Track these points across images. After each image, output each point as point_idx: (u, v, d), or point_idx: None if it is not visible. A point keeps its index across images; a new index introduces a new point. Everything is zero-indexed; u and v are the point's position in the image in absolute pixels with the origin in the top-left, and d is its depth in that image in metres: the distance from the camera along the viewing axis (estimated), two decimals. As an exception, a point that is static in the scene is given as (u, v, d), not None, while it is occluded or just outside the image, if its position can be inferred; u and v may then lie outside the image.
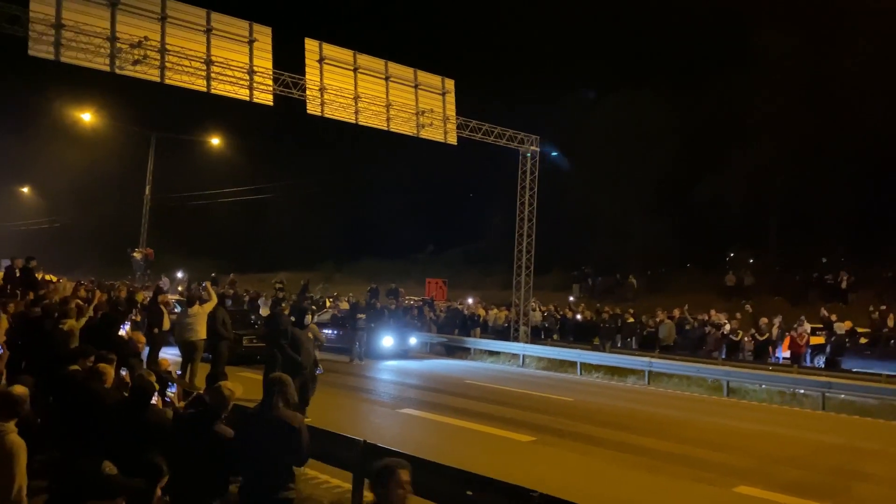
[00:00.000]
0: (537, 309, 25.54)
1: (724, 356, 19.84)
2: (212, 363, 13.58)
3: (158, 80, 16.11)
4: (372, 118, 19.76)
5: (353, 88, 19.15)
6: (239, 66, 17.14)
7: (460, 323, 25.89)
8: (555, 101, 43.21)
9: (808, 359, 19.59)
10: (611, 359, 19.90)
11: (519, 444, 10.81)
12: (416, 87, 20.57)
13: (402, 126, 20.43)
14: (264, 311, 20.96)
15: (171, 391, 8.20)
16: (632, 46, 43.37)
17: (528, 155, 23.65)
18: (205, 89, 16.81)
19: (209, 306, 13.75)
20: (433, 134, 21.17)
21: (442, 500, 6.04)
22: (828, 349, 19.47)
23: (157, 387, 6.45)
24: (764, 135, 33.57)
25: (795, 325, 19.99)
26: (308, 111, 18.52)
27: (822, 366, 18.86)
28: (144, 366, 9.84)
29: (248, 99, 17.53)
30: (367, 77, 19.49)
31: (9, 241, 42.46)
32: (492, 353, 22.69)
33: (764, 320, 20.75)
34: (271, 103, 18.01)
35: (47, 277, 23.87)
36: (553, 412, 13.70)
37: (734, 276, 30.65)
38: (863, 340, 19.75)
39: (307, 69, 18.29)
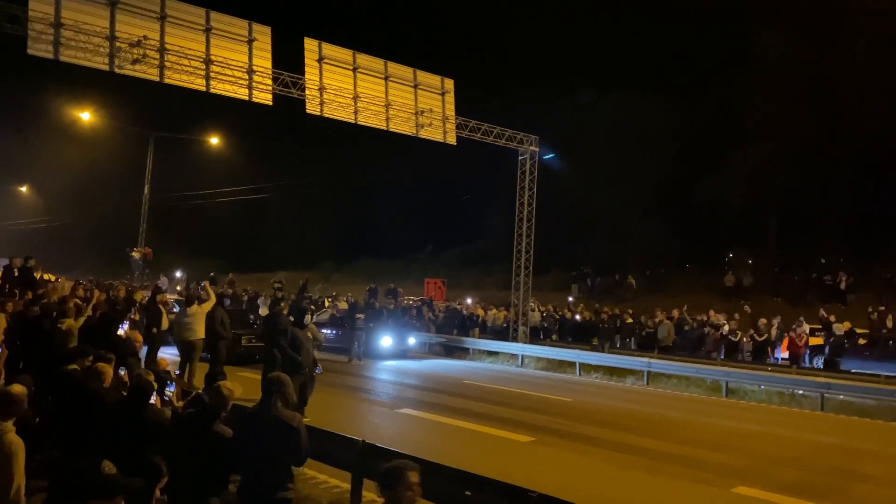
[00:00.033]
0: (536, 309, 25.54)
1: (722, 357, 19.84)
2: (210, 363, 13.58)
3: (157, 79, 16.09)
4: (371, 118, 19.75)
5: (352, 88, 19.14)
6: (238, 65, 17.13)
7: (459, 323, 25.89)
8: (554, 101, 43.27)
9: (806, 359, 19.60)
10: (610, 359, 19.89)
11: (518, 445, 10.81)
12: (415, 86, 20.56)
13: (402, 126, 20.42)
14: (263, 311, 20.94)
15: (170, 390, 8.19)
16: (631, 46, 43.43)
17: (528, 155, 23.65)
18: (204, 89, 16.80)
19: (208, 306, 13.75)
20: (432, 134, 21.16)
21: (441, 500, 6.03)
22: (826, 350, 19.48)
23: (155, 386, 6.44)
24: (763, 135, 33.59)
25: (794, 326, 19.99)
26: (307, 111, 18.51)
27: (821, 366, 18.85)
28: (143, 365, 9.84)
29: (247, 98, 17.52)
30: (367, 77, 19.48)
31: (7, 240, 42.46)
32: (491, 354, 22.69)
33: (763, 321, 20.76)
34: (270, 103, 18.00)
35: (46, 277, 23.85)
36: (552, 412, 13.70)
37: (733, 277, 30.66)
38: (861, 341, 19.76)
39: (306, 69, 18.28)
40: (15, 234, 47.72)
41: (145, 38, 15.63)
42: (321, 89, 18.46)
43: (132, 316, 16.45)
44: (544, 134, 24.33)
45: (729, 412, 14.80)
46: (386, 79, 19.89)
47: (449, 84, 21.43)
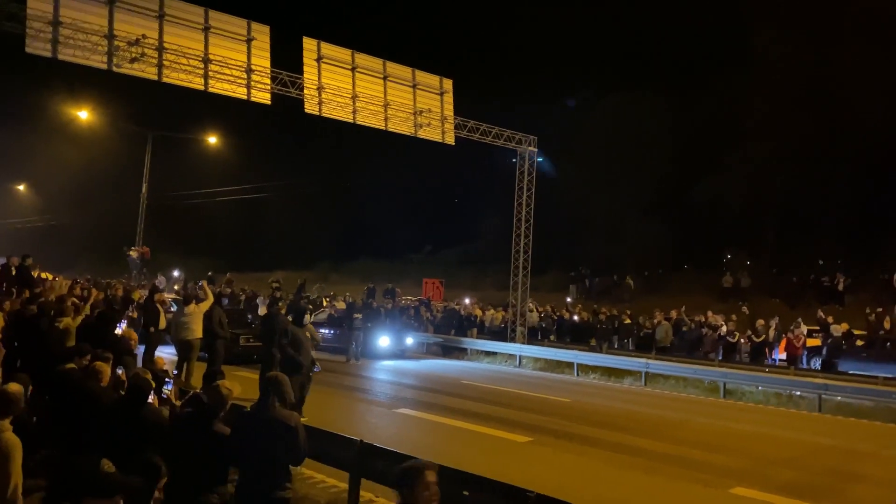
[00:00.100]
0: (534, 310, 25.53)
1: (720, 357, 19.84)
2: (208, 362, 13.54)
3: (156, 78, 16.08)
4: (370, 118, 19.74)
5: (350, 88, 19.13)
6: (237, 64, 17.11)
7: (457, 323, 25.87)
8: (553, 101, 43.28)
9: (804, 360, 19.61)
10: (608, 360, 19.89)
11: (515, 445, 10.80)
12: (414, 86, 20.56)
13: (400, 126, 20.41)
14: (262, 311, 20.93)
15: (168, 388, 8.17)
16: (630, 47, 43.45)
17: (526, 155, 23.65)
18: (202, 88, 16.79)
19: (205, 305, 13.72)
20: (431, 134, 21.15)
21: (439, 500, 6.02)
22: (824, 351, 19.49)
23: (153, 385, 6.42)
24: (761, 136, 33.60)
25: (792, 327, 20.01)
26: (306, 110, 18.51)
27: (819, 368, 18.87)
28: (139, 364, 9.82)
29: (245, 98, 17.51)
30: (365, 76, 19.47)
31: (5, 238, 42.36)
32: (488, 354, 22.69)
33: (761, 322, 20.77)
34: (269, 102, 17.99)
35: (43, 275, 23.81)
36: (550, 413, 13.70)
37: (731, 278, 30.67)
38: (859, 343, 19.77)
39: (305, 68, 18.27)
40: (12, 233, 47.63)
41: (144, 36, 15.61)
42: (320, 89, 18.45)
43: (130, 314, 16.43)
44: (543, 134, 24.36)
45: (727, 413, 14.81)
46: (385, 78, 19.88)
47: (448, 84, 21.43)
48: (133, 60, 15.68)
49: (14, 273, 16.46)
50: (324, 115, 18.91)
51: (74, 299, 12.28)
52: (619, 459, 10.16)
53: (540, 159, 24.08)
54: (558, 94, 44.27)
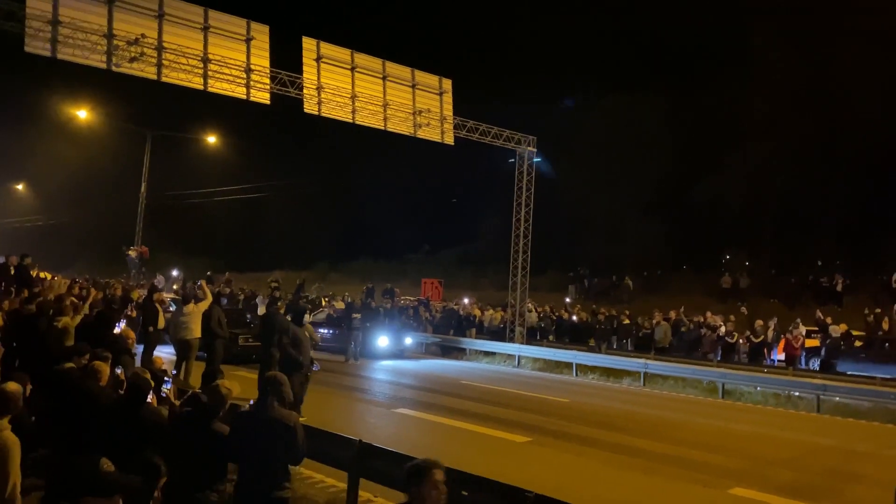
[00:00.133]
0: (533, 310, 25.53)
1: (719, 358, 19.84)
2: (207, 362, 13.50)
3: (155, 77, 16.06)
4: (369, 117, 19.73)
5: (350, 87, 19.13)
6: (236, 64, 17.10)
7: (456, 323, 25.87)
8: (552, 101, 43.29)
9: (802, 361, 19.61)
10: (606, 360, 19.90)
11: (514, 445, 10.81)
12: (413, 86, 20.55)
13: (399, 126, 20.41)
14: (262, 311, 20.93)
15: (167, 387, 8.17)
16: (629, 47, 43.46)
17: (525, 155, 23.65)
18: (202, 87, 16.77)
19: (204, 305, 13.70)
20: (430, 134, 21.15)
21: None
22: (823, 352, 19.51)
23: (152, 384, 6.42)
24: (760, 137, 33.66)
25: (791, 328, 20.01)
26: (305, 110, 18.50)
27: (817, 368, 18.88)
28: (138, 363, 9.81)
29: (245, 97, 17.50)
30: (365, 76, 19.47)
31: (3, 238, 42.35)
32: (487, 354, 22.68)
33: (759, 322, 20.77)
34: (268, 102, 17.97)
35: (42, 275, 23.79)
36: (548, 413, 13.70)
37: (730, 279, 30.67)
38: (857, 343, 19.77)
39: (304, 68, 18.26)
40: (11, 232, 47.60)
41: (143, 36, 15.59)
42: (319, 88, 18.45)
43: (128, 312, 16.43)
44: (542, 135, 24.36)
45: (725, 413, 14.82)
46: (384, 78, 19.88)
47: (447, 84, 21.42)
48: (132, 60, 15.67)
49: (13, 272, 16.45)
50: (323, 114, 18.90)
51: (73, 299, 12.26)
52: (617, 460, 10.16)
53: (537, 159, 24.07)
54: (557, 94, 44.37)
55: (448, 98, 21.39)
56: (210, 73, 16.76)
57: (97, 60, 15.26)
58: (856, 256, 30.41)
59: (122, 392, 6.65)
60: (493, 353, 22.54)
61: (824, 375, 17.20)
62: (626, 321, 23.30)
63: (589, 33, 42.80)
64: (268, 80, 17.64)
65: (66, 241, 53.13)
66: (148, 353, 12.84)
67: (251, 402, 6.18)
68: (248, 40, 17.33)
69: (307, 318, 15.20)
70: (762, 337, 20.17)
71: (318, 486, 8.02)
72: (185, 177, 46.15)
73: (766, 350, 20.20)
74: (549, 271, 37.08)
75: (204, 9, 16.72)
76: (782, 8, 33.44)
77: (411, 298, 30.08)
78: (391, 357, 21.51)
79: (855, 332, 20.16)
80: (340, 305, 24.40)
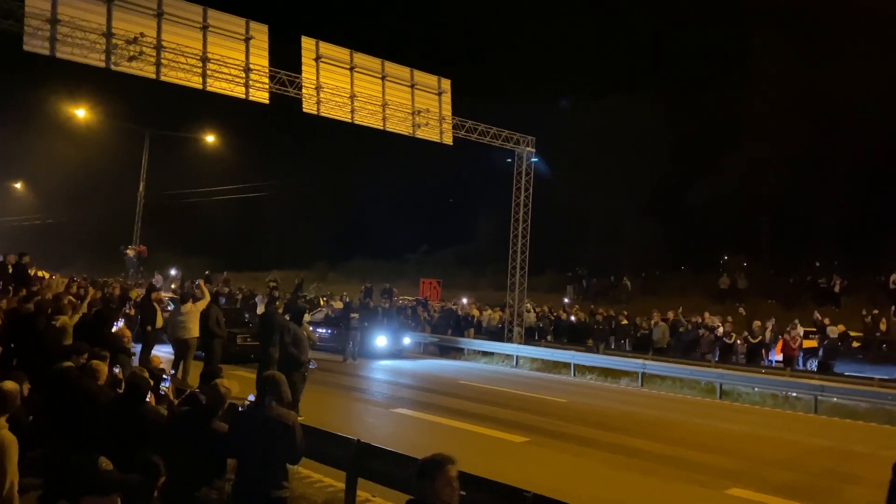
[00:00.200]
0: (531, 310, 25.55)
1: (717, 359, 19.85)
2: (205, 361, 13.52)
3: (154, 76, 16.04)
4: (368, 117, 19.73)
5: (349, 87, 19.12)
6: (235, 63, 17.09)
7: (454, 323, 25.88)
8: (551, 102, 43.26)
9: (800, 362, 19.64)
10: (604, 360, 19.91)
11: (512, 445, 10.82)
12: (412, 86, 20.55)
13: (398, 126, 20.40)
14: (261, 310, 20.94)
15: (165, 385, 8.18)
16: (628, 48, 43.53)
17: (524, 156, 23.66)
18: (200, 86, 16.75)
19: (202, 304, 13.70)
20: (429, 134, 21.15)
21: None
22: (820, 352, 19.52)
23: (151, 383, 6.42)
24: (758, 138, 33.69)
25: (788, 329, 20.04)
26: (304, 109, 18.49)
27: (815, 369, 18.91)
28: (135, 363, 9.81)
29: (243, 97, 17.48)
30: (364, 76, 19.47)
31: (1, 236, 42.31)
32: (485, 354, 22.69)
33: (757, 323, 20.80)
34: (267, 101, 17.95)
35: (40, 274, 23.77)
36: (546, 413, 13.71)
37: (728, 279, 30.69)
38: (855, 344, 19.79)
39: (303, 67, 18.25)
40: (9, 231, 47.55)
41: (142, 35, 15.57)
42: (318, 88, 18.44)
43: (127, 311, 16.42)
44: (541, 135, 24.37)
45: (723, 414, 14.84)
46: (383, 78, 19.87)
47: (446, 84, 21.42)
48: (131, 59, 15.65)
49: (11, 271, 16.43)
50: (322, 114, 18.90)
51: (71, 298, 12.25)
52: (615, 460, 10.17)
53: (535, 159, 24.06)
54: (556, 94, 44.31)
55: (447, 98, 21.40)
56: (209, 72, 16.74)
57: (96, 59, 15.24)
58: (854, 257, 30.45)
59: (120, 391, 6.65)
60: (492, 353, 22.54)
61: (822, 376, 17.23)
62: (625, 321, 23.33)
63: (588, 34, 42.91)
64: (267, 80, 17.63)
65: (64, 240, 53.08)
66: (146, 352, 12.83)
67: (250, 397, 6.18)
68: (247, 39, 17.32)
69: (307, 318, 15.21)
70: (760, 338, 20.21)
71: (316, 486, 8.02)
72: (184, 176, 46.15)
73: (763, 351, 20.22)
74: (548, 271, 37.13)
75: (203, 8, 16.71)
76: (780, 9, 33.48)
77: (410, 298, 30.08)
78: (389, 357, 21.51)
79: (853, 333, 20.19)
80: (339, 305, 24.39)
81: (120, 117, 37.88)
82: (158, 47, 15.90)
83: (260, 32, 17.56)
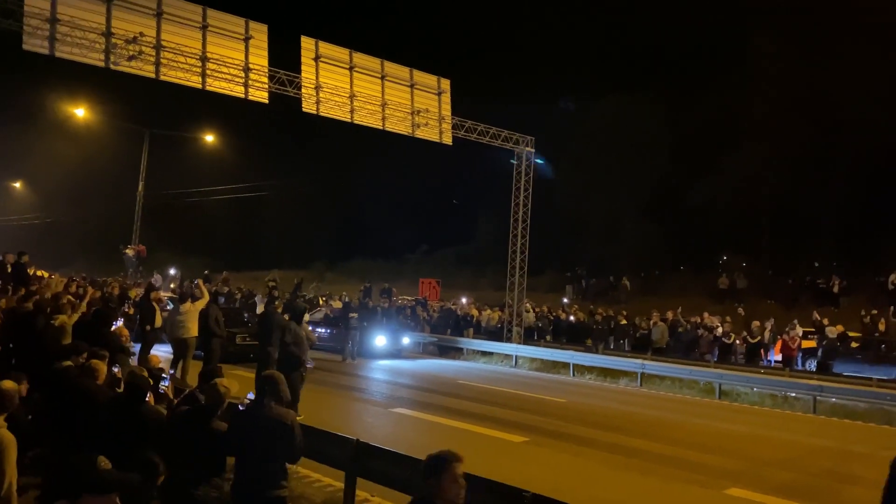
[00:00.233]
0: (531, 310, 25.55)
1: (716, 359, 19.86)
2: (204, 360, 13.53)
3: (153, 76, 16.03)
4: (367, 117, 19.72)
5: (348, 87, 19.12)
6: (234, 63, 17.09)
7: (453, 323, 25.88)
8: (551, 102, 43.26)
9: (799, 362, 19.64)
10: (603, 360, 19.91)
11: (511, 445, 10.82)
12: (411, 86, 20.55)
13: (398, 125, 20.40)
14: (261, 309, 20.95)
15: (165, 384, 8.17)
16: (628, 49, 43.53)
17: (523, 156, 23.66)
18: (200, 86, 16.75)
19: (201, 304, 13.71)
20: (428, 134, 21.15)
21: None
22: (819, 353, 19.53)
23: (151, 382, 6.42)
24: (757, 138, 33.69)
25: (787, 329, 20.04)
26: (303, 109, 18.47)
27: (814, 369, 18.92)
28: (134, 362, 9.80)
29: (243, 96, 17.47)
30: (363, 76, 19.46)
31: (1, 236, 42.25)
32: (485, 354, 22.69)
33: (756, 323, 20.80)
34: (266, 101, 17.95)
35: (39, 273, 23.77)
36: (545, 413, 13.71)
37: (727, 280, 30.71)
38: (854, 345, 19.79)
39: (303, 67, 18.25)
40: (8, 230, 47.53)
41: (141, 34, 15.56)
42: (317, 88, 18.44)
43: (126, 310, 16.41)
44: (540, 135, 24.37)
45: (722, 414, 14.84)
46: (382, 78, 19.87)
47: (445, 84, 21.42)
48: (130, 58, 15.64)
49: (10, 270, 16.42)
50: (321, 114, 18.90)
51: (70, 297, 12.25)
52: (614, 460, 10.18)
53: (540, 161, 24.06)
54: (556, 94, 44.31)
55: (446, 98, 21.39)
56: (208, 71, 16.74)
57: (95, 59, 15.24)
58: (853, 258, 30.48)
59: (119, 390, 6.65)
60: (491, 353, 22.55)
61: (821, 376, 17.23)
62: (624, 321, 23.34)
63: (587, 34, 42.93)
64: (266, 80, 17.62)
65: (63, 240, 53.11)
66: (145, 351, 12.84)
67: (249, 395, 6.18)
68: (246, 39, 17.32)
69: (306, 317, 15.20)
70: (759, 338, 20.21)
71: (315, 486, 8.02)
72: (183, 176, 46.16)
73: (762, 351, 20.23)
74: (547, 271, 37.15)
75: (202, 7, 16.71)
76: (780, 10, 33.50)
77: (409, 298, 30.09)
78: (388, 357, 21.50)
79: (851, 334, 20.20)
80: (338, 305, 24.39)
81: (119, 117, 37.89)
82: (158, 47, 15.89)
83: (259, 32, 17.55)
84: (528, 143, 23.50)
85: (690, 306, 25.08)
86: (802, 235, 33.15)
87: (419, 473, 3.53)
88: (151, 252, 34.80)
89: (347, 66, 19.13)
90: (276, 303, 14.59)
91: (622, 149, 37.63)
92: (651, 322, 22.14)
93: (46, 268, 32.96)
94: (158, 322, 14.47)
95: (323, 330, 21.83)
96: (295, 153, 54.78)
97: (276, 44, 17.81)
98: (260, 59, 17.51)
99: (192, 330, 13.49)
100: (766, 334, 20.22)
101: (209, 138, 36.51)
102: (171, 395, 7.82)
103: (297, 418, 5.48)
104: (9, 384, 5.28)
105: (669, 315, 22.66)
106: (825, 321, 20.67)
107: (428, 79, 21.02)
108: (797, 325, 20.19)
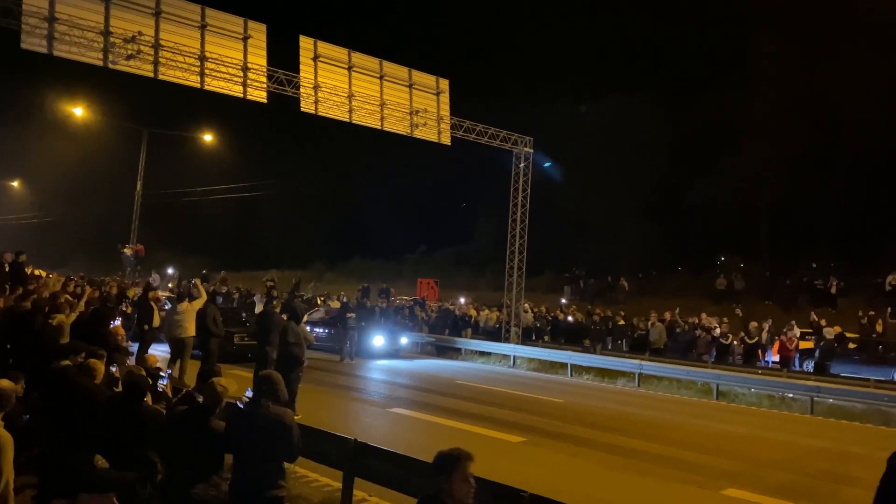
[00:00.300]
0: (529, 310, 25.56)
1: (713, 359, 19.88)
2: (202, 360, 13.53)
3: (152, 75, 16.02)
4: (366, 117, 19.72)
5: (347, 87, 19.11)
6: (233, 62, 17.08)
7: (451, 323, 25.87)
8: (549, 103, 43.31)
9: (797, 363, 19.65)
10: (601, 361, 19.92)
11: (509, 445, 10.82)
12: (410, 86, 20.54)
13: (396, 125, 20.40)
14: (259, 309, 20.95)
15: (163, 383, 8.18)
16: (627, 50, 43.55)
17: (522, 156, 23.66)
18: (198, 85, 16.74)
19: (198, 303, 13.71)
20: (427, 134, 21.15)
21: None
22: (817, 354, 19.54)
23: (150, 382, 6.42)
24: (755, 140, 33.73)
25: (785, 330, 20.03)
26: (302, 109, 18.45)
27: (811, 370, 18.94)
28: (131, 361, 9.79)
29: (241, 96, 17.46)
30: (362, 75, 19.46)
31: (-2, 235, 42.23)
32: (483, 354, 22.70)
33: (754, 324, 20.82)
34: (265, 100, 17.94)
35: (37, 272, 23.74)
36: (543, 413, 13.72)
37: (725, 280, 30.73)
38: (851, 345, 19.83)
39: (301, 67, 18.24)
40: (6, 229, 47.51)
41: (140, 33, 15.55)
42: (316, 87, 18.43)
43: (124, 309, 16.40)
44: (539, 135, 24.38)
45: (719, 415, 14.85)
46: (381, 78, 19.87)
47: (444, 84, 21.42)
48: (129, 57, 15.62)
49: (7, 269, 16.41)
50: (320, 113, 18.89)
51: (68, 296, 12.24)
52: (612, 460, 10.18)
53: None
54: (555, 95, 44.35)
55: (445, 98, 21.39)
56: (207, 71, 16.73)
57: (93, 58, 15.22)
58: (851, 259, 30.53)
59: (116, 390, 6.64)
60: (489, 354, 22.55)
61: (818, 377, 17.26)
62: (622, 322, 23.34)
63: (587, 34, 42.90)
64: (264, 79, 17.61)
65: (61, 239, 53.08)
66: (142, 351, 12.84)
67: (248, 392, 6.18)
68: (245, 39, 17.31)
69: (304, 318, 15.21)
70: (756, 338, 20.22)
71: (313, 485, 8.02)
72: (182, 175, 46.15)
73: (760, 352, 20.24)
74: (546, 272, 37.16)
75: (201, 7, 16.70)
76: (780, 9, 33.54)
77: (407, 298, 30.09)
78: (386, 357, 21.50)
79: (849, 335, 20.22)
80: (336, 305, 24.40)
81: (118, 116, 37.88)
82: (156, 46, 15.88)
83: (258, 32, 17.54)
84: (527, 143, 23.50)
85: (688, 307, 25.10)
86: (800, 236, 33.21)
87: (427, 471, 3.49)
88: (150, 251, 34.77)
89: (346, 66, 19.13)
90: (275, 303, 14.58)
91: (621, 149, 37.66)
92: (649, 323, 22.15)
93: (44, 267, 32.92)
94: (156, 322, 14.47)
95: (321, 330, 21.82)
96: (293, 153, 54.84)
97: (274, 43, 17.80)
98: (258, 58, 17.50)
99: (190, 329, 13.49)
100: (764, 335, 20.24)
101: (208, 138, 36.49)
102: (169, 394, 7.82)
103: (295, 418, 5.48)
104: (6, 383, 5.28)
105: (667, 316, 22.68)
106: (823, 322, 20.69)
107: (426, 79, 21.02)
108: (795, 326, 20.19)
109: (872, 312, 21.62)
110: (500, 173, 25.97)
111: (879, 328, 20.53)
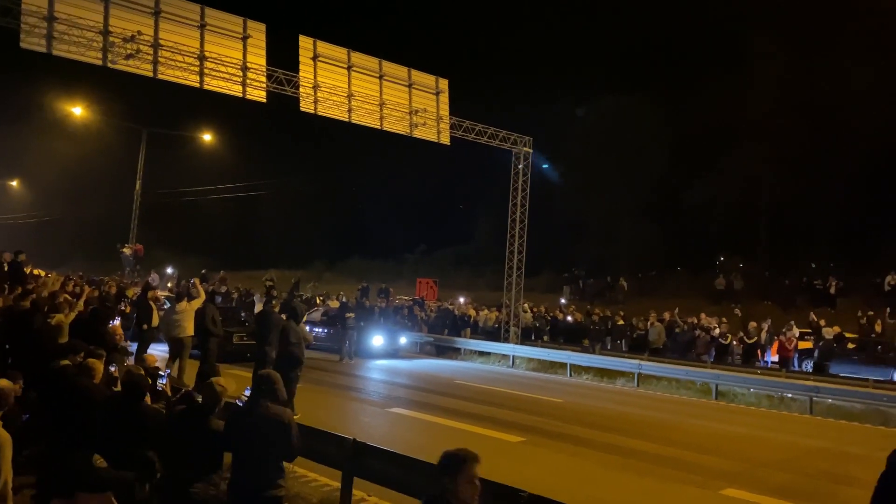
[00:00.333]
0: (528, 310, 25.56)
1: (713, 359, 19.89)
2: (201, 360, 13.52)
3: (151, 74, 16.01)
4: (365, 116, 19.71)
5: (346, 86, 19.11)
6: (232, 62, 17.07)
7: (451, 323, 25.88)
8: (549, 103, 43.34)
9: (796, 363, 19.65)
10: (600, 361, 19.92)
11: (508, 445, 10.81)
12: (409, 86, 20.54)
13: (396, 125, 20.39)
14: (259, 309, 20.94)
15: (163, 382, 8.17)
16: (626, 50, 43.54)
17: (521, 156, 23.66)
18: (198, 85, 16.73)
19: (197, 303, 13.70)
20: (426, 133, 21.14)
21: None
22: (816, 354, 19.55)
23: (149, 381, 6.41)
24: (755, 140, 33.74)
25: (784, 330, 20.04)
26: (301, 108, 18.45)
27: (810, 370, 18.94)
28: (130, 361, 9.79)
29: (240, 95, 17.45)
30: (361, 75, 19.45)
31: (-3, 234, 42.20)
32: (482, 354, 22.70)
33: (753, 324, 20.82)
34: (264, 100, 17.93)
35: (36, 272, 23.72)
36: (542, 413, 13.71)
37: (724, 280, 30.75)
38: (850, 346, 19.84)
39: (301, 66, 18.23)
40: (5, 229, 47.48)
41: (139, 33, 15.54)
42: (315, 87, 18.42)
43: (123, 308, 16.39)
44: (538, 136, 24.38)
45: (718, 415, 14.85)
46: (380, 77, 19.86)
47: (443, 84, 21.42)
48: (128, 57, 15.61)
49: (6, 269, 16.40)
50: (319, 113, 18.88)
51: (67, 296, 12.24)
52: (611, 460, 10.18)
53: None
54: (554, 95, 44.37)
55: (444, 98, 21.38)
56: (206, 70, 16.72)
57: (93, 57, 15.20)
58: (850, 259, 30.53)
59: (115, 389, 6.64)
60: (488, 353, 22.55)
61: (817, 377, 17.26)
62: (621, 322, 23.33)
63: (586, 35, 42.92)
64: (264, 79, 17.61)
65: (60, 238, 53.03)
66: (141, 350, 12.82)
67: (246, 390, 6.18)
68: (244, 38, 17.30)
69: (305, 317, 15.21)
70: (756, 339, 20.23)
71: (311, 485, 8.02)
72: (181, 174, 46.15)
73: (759, 352, 20.24)
74: (545, 272, 37.16)
75: (200, 6, 16.69)
76: (780, 9, 33.55)
77: (406, 298, 30.09)
78: (386, 356, 21.49)
79: (848, 335, 20.23)
80: (335, 304, 24.39)
81: (117, 115, 37.89)
82: (156, 45, 15.87)
83: (257, 31, 17.54)
84: (527, 143, 23.50)
85: (687, 307, 25.10)
86: (800, 236, 33.21)
87: (427, 470, 3.48)
88: (149, 251, 34.76)
89: (345, 66, 19.12)
90: (274, 302, 14.58)
91: (621, 149, 37.67)
92: (648, 322, 22.15)
93: (43, 266, 32.95)
94: (155, 321, 14.46)
95: (320, 330, 21.83)
96: (293, 152, 54.86)
97: (274, 43, 17.80)
98: (258, 58, 17.50)
99: (189, 329, 13.48)
100: (763, 335, 20.25)
101: (207, 137, 36.50)
102: (168, 393, 7.81)
103: (294, 417, 5.47)
104: (4, 383, 5.28)
105: (666, 316, 22.68)
106: (822, 322, 20.70)
107: (426, 78, 21.01)
108: (794, 326, 20.20)
109: (871, 312, 21.63)
110: (500, 173, 25.99)
111: (878, 328, 20.53)
